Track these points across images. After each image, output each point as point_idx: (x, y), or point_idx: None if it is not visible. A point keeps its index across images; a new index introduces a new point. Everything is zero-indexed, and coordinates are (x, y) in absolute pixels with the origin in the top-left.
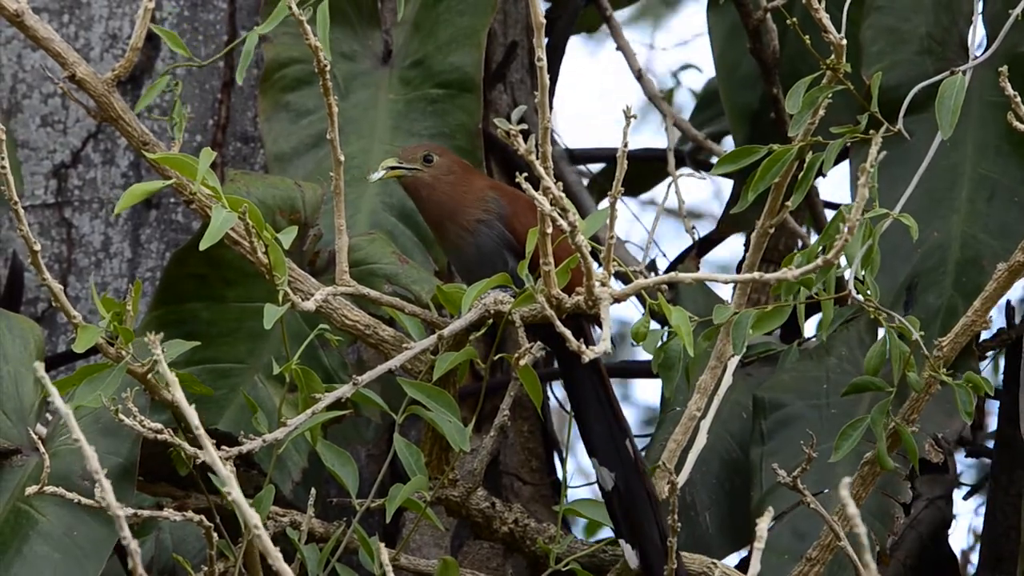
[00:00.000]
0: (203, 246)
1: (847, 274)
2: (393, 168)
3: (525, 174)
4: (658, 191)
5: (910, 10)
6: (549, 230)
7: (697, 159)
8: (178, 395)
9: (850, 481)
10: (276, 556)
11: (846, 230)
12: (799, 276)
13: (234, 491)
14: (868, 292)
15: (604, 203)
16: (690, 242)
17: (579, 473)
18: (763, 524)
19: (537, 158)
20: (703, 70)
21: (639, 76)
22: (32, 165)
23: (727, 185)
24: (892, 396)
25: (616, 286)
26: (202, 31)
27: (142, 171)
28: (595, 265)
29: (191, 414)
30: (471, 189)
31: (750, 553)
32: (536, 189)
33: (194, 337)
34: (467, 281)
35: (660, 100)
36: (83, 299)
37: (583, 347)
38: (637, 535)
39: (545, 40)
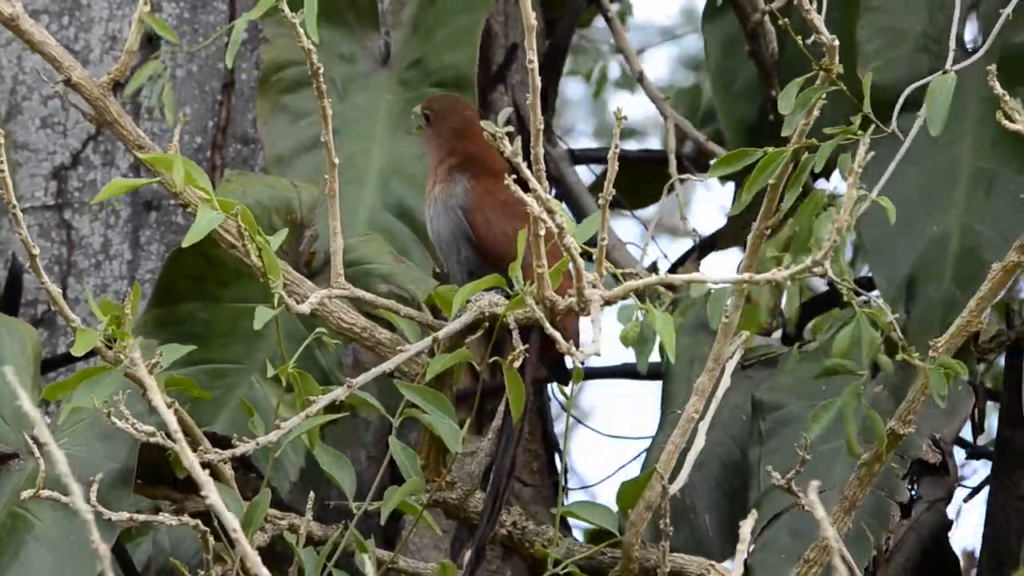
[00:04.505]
0: (186, 243)
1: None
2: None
3: (514, 176)
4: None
5: (905, 9)
6: (542, 232)
7: (701, 163)
8: (156, 399)
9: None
10: (255, 560)
11: (834, 231)
12: (788, 277)
13: (212, 495)
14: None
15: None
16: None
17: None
18: (746, 527)
19: (527, 159)
20: None
21: (640, 78)
22: (32, 167)
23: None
24: (865, 379)
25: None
26: (202, 32)
27: (142, 173)
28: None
29: (171, 419)
30: (443, 165)
31: (743, 555)
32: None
33: (190, 337)
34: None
35: (661, 101)
36: (83, 301)
37: (572, 348)
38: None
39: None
